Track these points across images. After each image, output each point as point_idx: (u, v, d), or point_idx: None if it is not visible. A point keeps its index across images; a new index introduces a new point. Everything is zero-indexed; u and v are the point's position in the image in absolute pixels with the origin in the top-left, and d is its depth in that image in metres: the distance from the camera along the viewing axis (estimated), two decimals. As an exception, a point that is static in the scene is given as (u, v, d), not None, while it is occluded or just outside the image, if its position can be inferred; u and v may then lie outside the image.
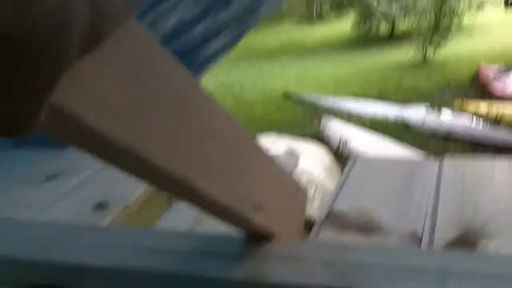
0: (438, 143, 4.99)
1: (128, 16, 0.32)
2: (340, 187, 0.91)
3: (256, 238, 0.71)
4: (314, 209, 3.74)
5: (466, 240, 0.73)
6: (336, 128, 5.32)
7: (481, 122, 5.26)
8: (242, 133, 0.59)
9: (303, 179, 3.90)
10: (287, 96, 7.25)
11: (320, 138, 5.32)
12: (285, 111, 6.67)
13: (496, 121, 5.27)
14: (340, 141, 5.03)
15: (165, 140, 0.44)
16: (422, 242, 0.75)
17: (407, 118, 5.43)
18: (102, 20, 0.28)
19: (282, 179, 0.70)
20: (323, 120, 5.70)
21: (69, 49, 0.25)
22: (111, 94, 0.38)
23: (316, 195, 3.88)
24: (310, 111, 6.55)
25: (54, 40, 0.24)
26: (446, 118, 5.34)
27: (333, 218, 0.82)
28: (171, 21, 1.72)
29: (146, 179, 0.52)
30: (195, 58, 1.92)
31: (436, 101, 6.17)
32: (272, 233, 0.69)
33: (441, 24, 8.26)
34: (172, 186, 0.50)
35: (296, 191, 0.74)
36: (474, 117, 5.37)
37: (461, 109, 5.62)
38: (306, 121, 6.23)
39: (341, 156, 4.87)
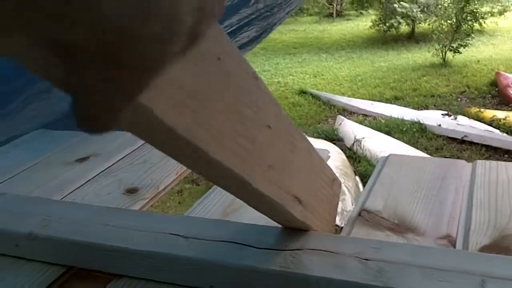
0: (453, 148, 4.95)
1: (220, 13, 0.30)
2: (372, 184, 0.91)
3: (292, 229, 0.71)
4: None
5: (501, 246, 0.73)
6: (351, 128, 5.29)
7: (497, 129, 5.20)
8: (291, 125, 0.59)
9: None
10: (302, 92, 7.23)
11: (334, 136, 5.31)
12: (300, 108, 6.66)
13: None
14: (354, 141, 5.01)
15: (228, 137, 0.45)
16: (457, 245, 0.74)
17: (423, 122, 5.39)
18: (204, 18, 0.27)
19: (321, 171, 0.71)
20: (338, 119, 5.68)
21: (173, 49, 0.25)
22: (187, 93, 0.38)
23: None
24: (325, 109, 6.54)
25: (162, 41, 0.23)
26: (462, 124, 5.29)
27: (365, 215, 0.82)
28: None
29: (201, 171, 0.52)
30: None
31: (453, 107, 6.13)
32: (309, 225, 0.69)
33: (461, 27, 8.17)
34: (223, 178, 0.51)
35: (332, 183, 0.74)
36: (490, 124, 5.32)
37: (478, 117, 5.57)
38: (320, 118, 6.22)
39: (354, 156, 4.85)
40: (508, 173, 0.92)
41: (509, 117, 5.35)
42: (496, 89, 6.59)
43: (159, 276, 0.72)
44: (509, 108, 5.86)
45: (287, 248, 0.69)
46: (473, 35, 8.29)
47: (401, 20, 9.79)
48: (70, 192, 1.00)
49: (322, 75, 8.16)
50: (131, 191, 0.98)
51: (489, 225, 0.77)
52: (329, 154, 1.03)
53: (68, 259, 0.78)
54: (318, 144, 4.93)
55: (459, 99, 6.57)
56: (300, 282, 0.64)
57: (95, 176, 1.04)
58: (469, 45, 8.07)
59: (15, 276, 0.75)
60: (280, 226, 0.72)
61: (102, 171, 1.06)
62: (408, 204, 0.84)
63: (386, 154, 1.03)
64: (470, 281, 0.60)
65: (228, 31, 1.84)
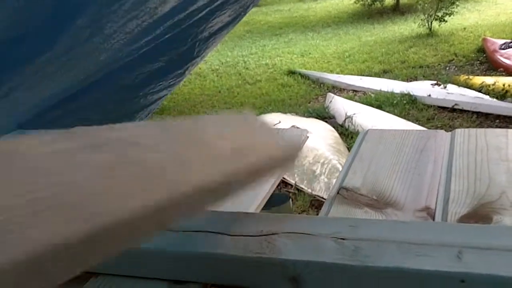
0: (445, 117, 4.95)
1: None
2: (351, 160, 0.89)
3: (268, 213, 0.70)
4: (321, 186, 3.74)
5: (480, 214, 0.72)
6: (341, 104, 5.28)
7: (487, 95, 5.20)
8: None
9: (309, 156, 3.90)
10: (291, 72, 7.19)
11: (325, 114, 5.29)
12: (290, 88, 6.63)
13: (502, 94, 5.22)
14: (345, 117, 5.00)
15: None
16: (436, 216, 0.73)
17: (413, 93, 5.38)
18: None
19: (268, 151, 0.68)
20: (328, 97, 5.66)
21: None
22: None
23: (322, 171, 3.88)
24: (315, 87, 6.51)
25: None
26: (452, 93, 5.28)
27: (344, 193, 0.81)
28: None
29: None
30: (201, 31, 1.88)
31: (442, 76, 6.12)
32: None
33: (446, -5, 8.12)
34: None
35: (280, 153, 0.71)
36: (480, 91, 5.31)
37: (467, 84, 5.56)
38: (310, 97, 6.20)
39: (346, 132, 4.85)
40: (487, 139, 0.91)
41: (498, 82, 5.34)
42: (484, 55, 6.57)
43: (136, 271, 0.71)
44: (497, 73, 5.86)
45: (262, 233, 0.67)
46: (457, 3, 8.23)
47: (385, -8, 9.72)
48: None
49: (310, 53, 8.11)
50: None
51: (468, 194, 0.76)
52: (308, 135, 1.01)
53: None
54: (310, 123, 4.91)
55: (447, 68, 6.55)
56: (276, 266, 0.63)
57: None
58: (455, 13, 8.02)
59: (-10, 282, 0.74)
60: (255, 211, 0.71)
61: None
62: (387, 179, 0.83)
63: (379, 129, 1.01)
64: (447, 252, 0.59)
65: (198, 16, 1.80)
